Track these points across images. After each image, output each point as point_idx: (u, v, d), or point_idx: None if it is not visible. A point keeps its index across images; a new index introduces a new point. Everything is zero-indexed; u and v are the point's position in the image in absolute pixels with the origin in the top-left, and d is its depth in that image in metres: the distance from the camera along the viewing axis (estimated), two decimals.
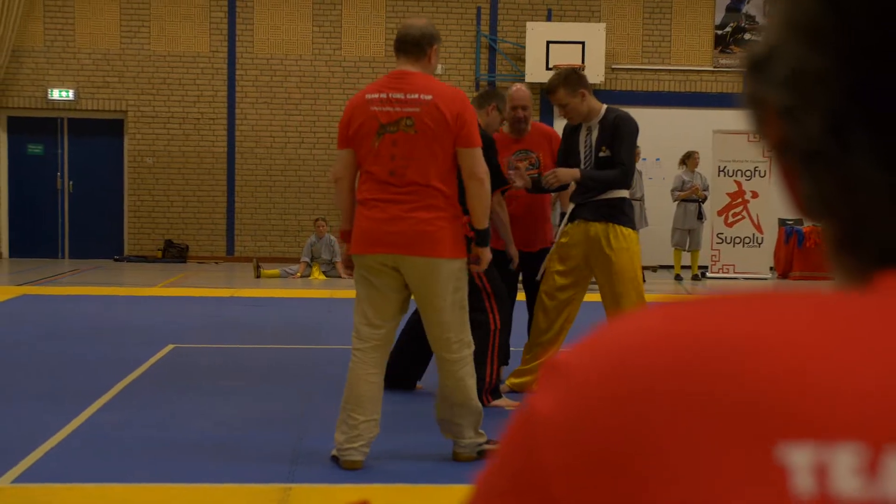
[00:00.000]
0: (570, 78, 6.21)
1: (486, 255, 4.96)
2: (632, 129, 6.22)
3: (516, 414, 0.60)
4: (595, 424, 0.55)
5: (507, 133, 6.77)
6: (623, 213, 6.24)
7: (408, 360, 6.60)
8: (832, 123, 0.58)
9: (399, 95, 4.76)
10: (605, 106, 6.30)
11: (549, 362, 0.60)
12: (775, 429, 0.52)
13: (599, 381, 0.56)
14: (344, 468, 4.79)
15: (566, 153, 6.40)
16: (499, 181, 5.89)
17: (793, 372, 0.53)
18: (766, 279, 16.35)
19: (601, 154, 6.20)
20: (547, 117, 17.92)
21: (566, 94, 6.15)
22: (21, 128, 18.07)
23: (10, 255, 17.97)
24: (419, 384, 6.73)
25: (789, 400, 0.52)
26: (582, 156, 6.28)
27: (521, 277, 6.87)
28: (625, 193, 6.29)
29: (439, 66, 15.34)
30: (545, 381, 0.59)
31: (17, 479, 4.57)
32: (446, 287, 4.79)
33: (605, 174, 6.21)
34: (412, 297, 4.94)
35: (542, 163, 6.72)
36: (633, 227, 6.30)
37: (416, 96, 4.74)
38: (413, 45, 4.83)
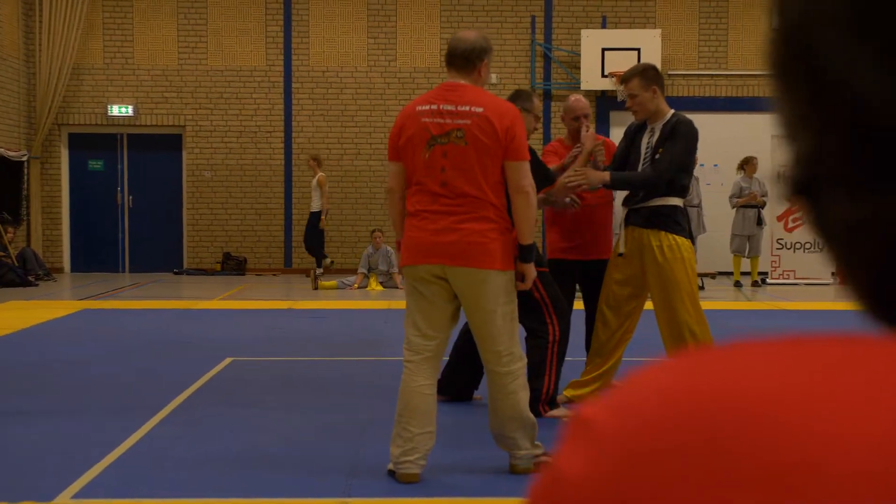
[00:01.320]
0: (648, 72, 6.19)
1: (530, 271, 4.90)
2: (688, 134, 6.13)
3: (543, 474, 0.57)
4: (622, 487, 0.53)
5: (566, 143, 6.77)
6: (676, 223, 6.15)
7: (465, 370, 6.58)
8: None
9: (450, 107, 4.75)
10: (672, 111, 6.25)
11: (577, 417, 0.57)
12: (808, 494, 0.49)
13: (626, 441, 0.54)
14: (400, 482, 4.77)
15: (626, 151, 6.35)
16: (545, 180, 5.90)
17: (828, 434, 0.50)
18: (827, 284, 16.11)
19: (657, 156, 6.14)
20: (603, 125, 17.84)
21: (639, 86, 6.12)
22: (82, 144, 18.36)
23: (72, 270, 18.25)
24: (477, 394, 6.71)
25: (824, 464, 0.50)
26: (642, 156, 6.23)
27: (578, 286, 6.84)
28: (678, 201, 6.20)
29: (494, 76, 15.34)
30: (573, 439, 0.56)
31: (77, 495, 4.61)
32: (496, 299, 4.76)
33: (634, 176, 6.15)
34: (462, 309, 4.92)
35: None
36: (687, 236, 6.21)
37: (468, 108, 4.73)
38: (462, 59, 4.83)
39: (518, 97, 6.35)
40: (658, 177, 6.07)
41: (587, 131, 6.51)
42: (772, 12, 0.56)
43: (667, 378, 0.55)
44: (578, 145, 6.45)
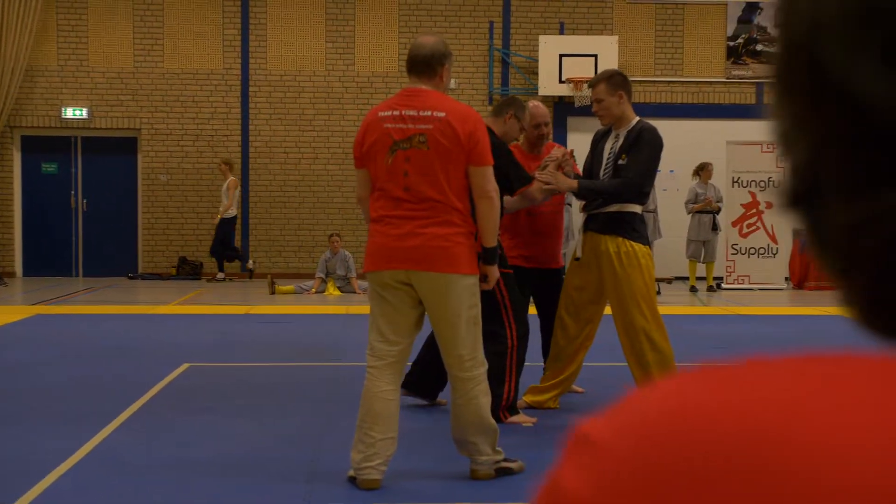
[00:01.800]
0: (615, 77, 6.23)
1: (494, 273, 4.92)
2: (652, 141, 6.17)
3: (542, 488, 0.57)
4: (623, 502, 0.52)
5: (523, 150, 6.75)
6: (633, 229, 6.19)
7: (430, 373, 6.55)
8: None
9: (412, 112, 4.75)
10: (638, 118, 6.28)
11: (576, 433, 0.57)
12: None
13: (627, 457, 0.54)
14: (361, 488, 4.75)
15: (592, 158, 6.39)
16: (522, 180, 5.93)
17: (828, 450, 0.50)
18: (781, 289, 16.28)
19: (620, 162, 6.17)
20: (560, 130, 17.91)
21: (605, 90, 6.15)
22: (35, 147, 18.14)
23: (24, 275, 18.03)
24: (442, 399, 6.68)
25: (823, 480, 0.49)
26: (604, 162, 6.26)
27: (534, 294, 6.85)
28: (636, 208, 6.23)
29: (452, 81, 15.35)
30: (572, 454, 0.56)
31: (33, 503, 4.54)
32: (460, 303, 4.76)
33: (604, 185, 6.18)
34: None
35: None
36: (645, 243, 6.25)
37: (430, 113, 4.73)
38: (423, 65, 4.84)
39: (513, 104, 6.41)
40: (626, 186, 6.10)
41: (563, 154, 6.47)
42: (776, 22, 0.56)
43: (668, 396, 0.55)
44: (550, 154, 6.42)
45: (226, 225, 16.85)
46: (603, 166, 6.25)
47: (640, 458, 0.53)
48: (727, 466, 0.51)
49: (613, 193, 6.14)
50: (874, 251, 0.53)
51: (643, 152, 6.11)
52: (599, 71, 17.46)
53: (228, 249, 17.00)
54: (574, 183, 6.15)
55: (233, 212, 16.80)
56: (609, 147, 6.27)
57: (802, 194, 0.56)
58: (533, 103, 6.83)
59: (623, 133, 6.21)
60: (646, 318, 6.13)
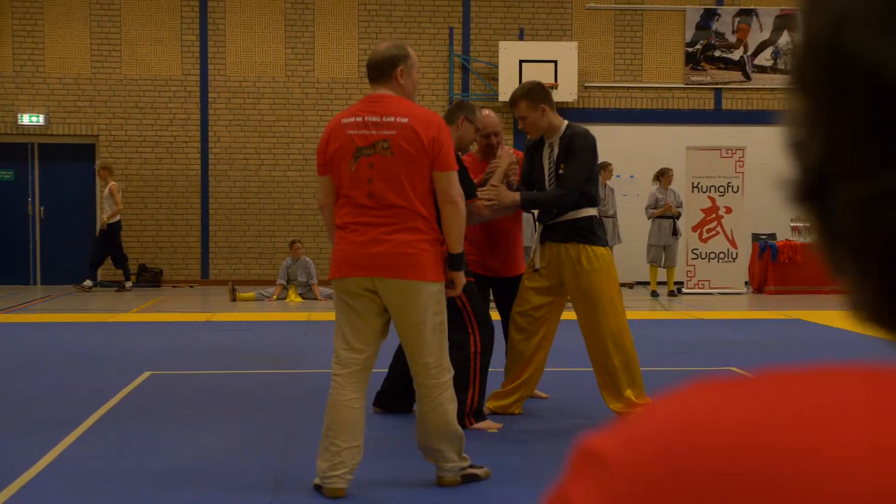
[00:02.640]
0: (534, 92, 6.23)
1: (460, 279, 4.92)
2: (585, 145, 6.21)
3: (549, 501, 0.57)
4: None
5: (477, 157, 6.74)
6: (593, 234, 6.24)
7: (401, 383, 6.54)
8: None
9: (375, 118, 4.74)
10: (565, 122, 6.31)
11: (583, 448, 0.57)
12: None
13: (634, 473, 0.54)
14: (327, 496, 4.73)
15: (530, 169, 6.43)
16: (470, 191, 5.89)
17: (835, 464, 0.50)
18: (741, 294, 16.41)
19: (560, 172, 6.21)
20: (520, 137, 17.96)
21: (526, 107, 6.18)
22: None
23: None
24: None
25: (830, 494, 0.50)
26: (546, 173, 6.30)
27: (493, 301, 6.86)
28: (592, 212, 6.28)
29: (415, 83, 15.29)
30: (580, 468, 0.56)
31: None
32: (426, 310, 4.75)
33: (546, 196, 6.22)
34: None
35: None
36: (605, 245, 6.31)
37: (392, 119, 4.72)
38: (376, 70, 4.83)
39: (463, 108, 6.37)
40: (567, 195, 6.15)
41: (503, 149, 6.51)
42: (799, 19, 0.57)
43: (675, 411, 0.55)
44: (494, 161, 6.41)
45: (116, 230, 16.57)
46: (546, 177, 6.30)
47: (648, 474, 0.53)
48: (735, 481, 0.51)
49: (556, 203, 6.20)
50: (888, 228, 0.53)
51: (577, 159, 6.17)
52: (559, 77, 17.61)
53: (119, 255, 16.70)
54: (517, 196, 6.17)
55: (118, 217, 16.59)
56: (546, 156, 6.32)
57: (816, 188, 0.57)
58: (484, 112, 6.76)
59: (556, 141, 6.27)
60: (614, 320, 6.19)
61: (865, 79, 0.53)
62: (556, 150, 6.24)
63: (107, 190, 16.35)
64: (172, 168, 18.02)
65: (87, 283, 16.74)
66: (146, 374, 8.18)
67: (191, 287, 17.68)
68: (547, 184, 6.28)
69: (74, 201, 18.04)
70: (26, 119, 17.72)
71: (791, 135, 0.59)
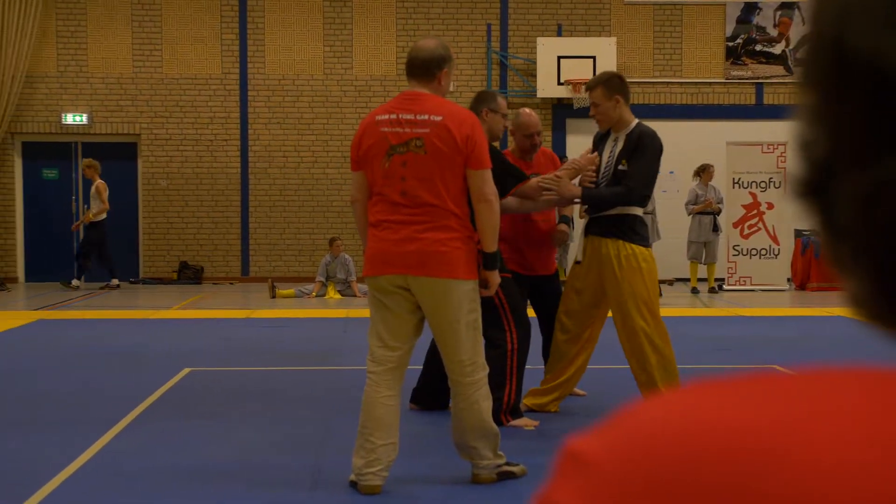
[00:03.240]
0: (612, 81, 6.20)
1: (494, 278, 4.91)
2: (653, 147, 6.15)
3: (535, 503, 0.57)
4: None
5: (515, 156, 6.73)
6: (634, 232, 6.17)
7: (437, 380, 6.55)
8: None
9: (409, 116, 4.74)
10: (636, 120, 6.26)
11: (569, 449, 0.57)
12: None
13: (619, 476, 0.54)
14: (362, 493, 4.75)
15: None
16: (517, 178, 5.87)
17: (824, 469, 0.50)
18: (783, 290, 16.27)
19: (620, 167, 6.17)
20: (559, 133, 17.93)
21: (602, 95, 6.13)
22: (36, 153, 18.15)
23: (26, 280, 18.02)
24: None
25: (818, 500, 0.49)
26: (604, 164, 6.25)
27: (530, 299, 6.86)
28: (637, 210, 6.23)
29: (451, 84, 15.29)
30: (565, 470, 0.56)
31: None
32: (459, 308, 4.75)
33: (607, 193, 6.16)
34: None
35: None
36: (647, 245, 6.23)
37: (427, 117, 4.72)
38: (421, 69, 4.82)
39: (483, 99, 6.32)
40: (628, 194, 6.09)
41: (587, 156, 6.37)
42: (808, 15, 0.59)
43: (661, 414, 0.55)
44: (574, 159, 6.35)
45: (101, 228, 16.55)
46: (603, 170, 6.25)
47: (632, 477, 0.53)
48: (719, 486, 0.51)
49: (618, 202, 6.13)
50: (885, 218, 0.54)
51: (644, 158, 6.10)
52: (598, 72, 17.50)
53: (106, 254, 16.66)
54: (577, 190, 6.13)
55: (104, 215, 16.58)
56: (608, 150, 6.26)
57: (819, 183, 0.57)
58: (525, 111, 6.77)
59: (622, 136, 6.20)
60: (646, 320, 6.12)
61: (866, 72, 0.54)
62: (621, 145, 6.19)
63: (93, 188, 16.35)
64: (213, 166, 18.15)
65: (75, 282, 16.70)
66: (185, 371, 8.24)
67: (231, 284, 17.81)
68: (602, 178, 6.23)
69: (117, 199, 18.19)
70: (70, 118, 17.92)
71: (799, 131, 0.59)
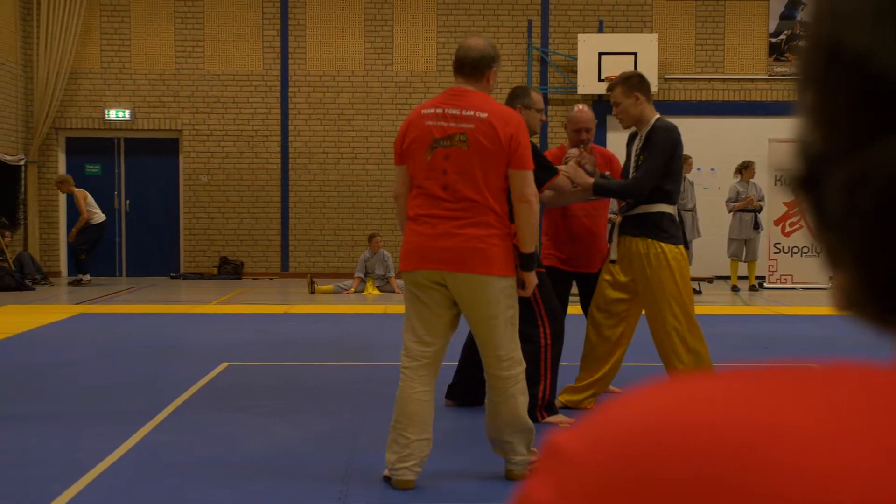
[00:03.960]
0: (631, 80, 6.22)
1: (531, 279, 4.90)
2: (664, 139, 6.13)
3: (515, 498, 0.57)
4: None
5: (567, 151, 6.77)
6: (662, 230, 6.16)
7: (473, 376, 6.55)
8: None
9: (455, 111, 4.75)
10: (657, 115, 6.25)
11: (549, 445, 0.57)
12: None
13: (598, 470, 0.53)
14: (396, 488, 4.76)
15: (626, 160, 6.43)
16: (548, 171, 5.87)
17: (806, 469, 0.49)
18: (824, 289, 16.10)
19: (639, 163, 6.18)
20: (599, 129, 17.84)
21: (621, 93, 6.16)
22: (79, 148, 18.35)
23: (69, 274, 18.22)
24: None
25: (799, 500, 0.49)
26: (632, 162, 6.28)
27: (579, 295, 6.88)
28: (665, 208, 6.20)
29: None
30: (544, 466, 0.56)
31: (71, 502, 4.59)
32: (497, 304, 4.75)
33: (615, 184, 6.22)
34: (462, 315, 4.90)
35: None
36: (677, 243, 6.20)
37: (472, 113, 4.73)
38: (471, 68, 4.84)
39: (516, 95, 6.31)
40: (635, 186, 6.10)
41: (584, 148, 6.46)
42: (807, 14, 0.61)
43: (644, 410, 0.55)
44: (568, 154, 6.46)
45: (100, 230, 16.55)
46: (631, 168, 6.27)
47: (612, 474, 0.53)
48: (700, 485, 0.50)
49: (623, 192, 6.17)
50: (869, 205, 0.54)
51: (653, 152, 6.12)
52: (639, 69, 17.43)
53: (90, 251, 16.61)
54: (590, 180, 6.17)
55: (101, 216, 16.51)
56: (635, 148, 6.30)
57: (812, 176, 0.59)
58: (578, 107, 6.86)
59: (644, 133, 6.22)
60: (678, 319, 6.10)
61: (856, 65, 0.55)
62: (642, 142, 6.21)
63: (74, 198, 16.39)
64: (253, 162, 18.26)
65: (85, 277, 16.78)
66: (224, 365, 8.30)
67: (270, 279, 17.90)
68: (631, 175, 6.25)
69: (159, 195, 18.39)
70: (113, 114, 18.09)
71: (797, 127, 0.61)
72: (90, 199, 16.58)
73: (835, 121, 0.57)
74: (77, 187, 16.52)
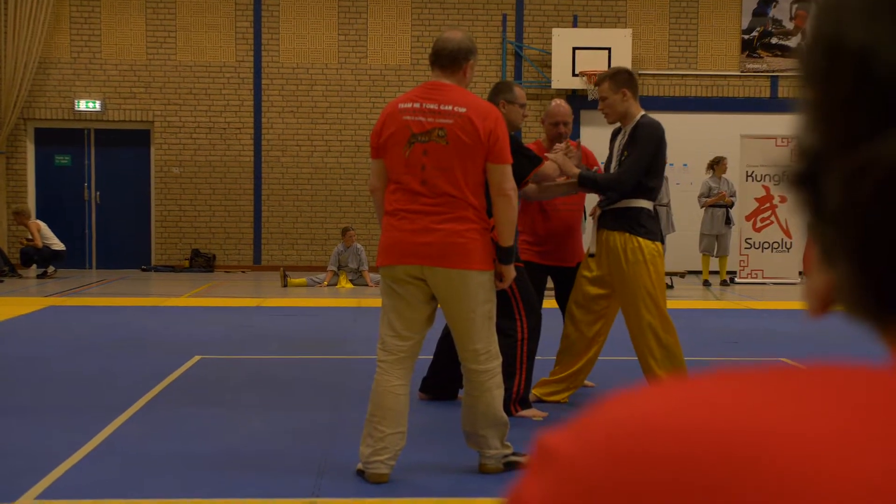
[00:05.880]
0: (619, 75, 6.24)
1: (510, 272, 4.91)
2: (649, 136, 6.16)
3: (507, 499, 0.57)
4: None
5: (544, 146, 6.78)
6: (640, 225, 6.19)
7: (447, 370, 6.55)
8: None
9: (433, 106, 4.73)
10: (642, 112, 6.27)
11: (539, 445, 0.56)
12: None
13: (590, 472, 0.53)
14: (370, 481, 4.75)
15: (609, 155, 6.45)
16: (533, 160, 5.87)
17: (799, 472, 0.49)
18: (794, 284, 16.23)
19: (623, 158, 6.21)
20: (573, 124, 17.86)
21: (608, 88, 6.17)
22: (48, 139, 18.19)
23: (38, 266, 18.05)
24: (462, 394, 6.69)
25: (792, 501, 0.48)
26: (614, 157, 6.31)
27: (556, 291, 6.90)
28: (643, 203, 6.22)
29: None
30: (535, 466, 0.56)
31: (41, 496, 4.55)
32: (475, 299, 4.75)
33: (596, 177, 6.26)
34: (439, 309, 4.90)
35: None
36: (654, 239, 6.23)
37: (450, 108, 4.71)
38: (448, 59, 4.82)
39: (500, 90, 6.32)
40: (617, 179, 6.12)
41: (567, 144, 6.48)
42: (809, 15, 0.62)
43: (636, 412, 0.54)
44: (554, 148, 6.47)
45: (55, 256, 16.41)
46: (613, 163, 6.29)
47: (604, 475, 0.53)
48: (693, 487, 0.50)
49: (608, 186, 6.19)
50: (867, 199, 0.54)
51: (637, 148, 6.14)
52: (612, 64, 17.48)
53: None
54: (576, 171, 6.20)
55: (60, 245, 16.43)
56: (618, 143, 6.31)
57: (809, 172, 0.59)
58: (555, 102, 6.90)
59: (628, 129, 6.24)
60: (651, 313, 6.14)
61: (855, 60, 0.56)
62: (626, 138, 6.23)
63: (29, 230, 16.32)
64: (226, 154, 18.17)
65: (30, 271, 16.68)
66: (196, 359, 8.26)
67: (243, 272, 17.84)
68: (613, 170, 6.28)
69: (130, 187, 18.27)
70: (83, 105, 17.95)
71: (797, 124, 0.61)
72: (45, 230, 16.43)
73: (834, 115, 0.57)
74: (35, 219, 16.55)
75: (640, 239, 6.16)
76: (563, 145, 6.38)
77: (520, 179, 5.87)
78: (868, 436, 0.49)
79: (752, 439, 0.50)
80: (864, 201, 0.55)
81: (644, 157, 6.13)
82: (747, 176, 16.28)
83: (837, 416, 0.50)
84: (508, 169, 4.78)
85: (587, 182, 6.25)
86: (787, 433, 0.50)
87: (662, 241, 6.45)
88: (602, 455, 0.53)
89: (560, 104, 6.83)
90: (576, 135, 17.73)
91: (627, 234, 6.17)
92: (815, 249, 0.61)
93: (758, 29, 18.34)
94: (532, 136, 16.37)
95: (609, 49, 17.58)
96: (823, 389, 0.52)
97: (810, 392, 0.52)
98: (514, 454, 5.02)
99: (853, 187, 0.55)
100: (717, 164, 15.94)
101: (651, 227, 6.24)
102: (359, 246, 15.51)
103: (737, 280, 16.32)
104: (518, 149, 5.83)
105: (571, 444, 0.55)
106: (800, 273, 16.70)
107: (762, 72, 18.41)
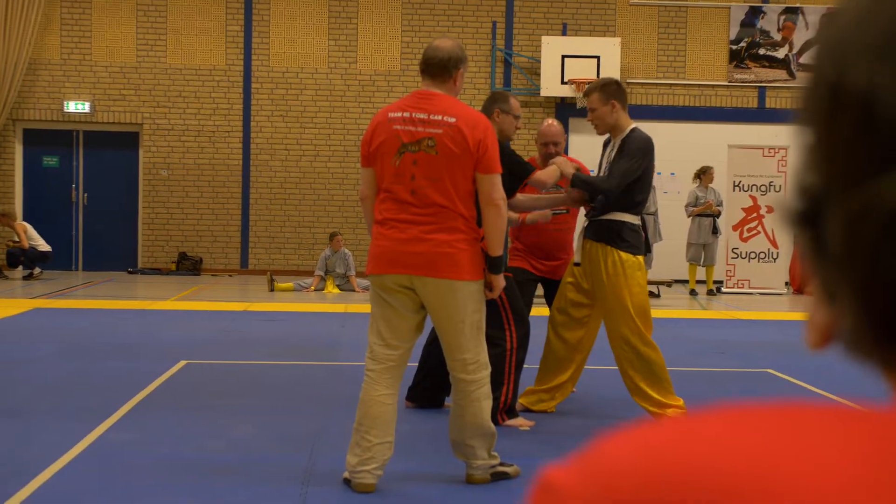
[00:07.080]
0: (609, 87, 6.24)
1: (499, 282, 4.91)
2: (638, 147, 6.18)
3: None
4: None
5: (538, 164, 6.80)
6: (622, 238, 6.20)
7: (433, 379, 6.56)
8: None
9: (422, 115, 4.74)
10: (633, 125, 6.28)
11: (543, 480, 0.57)
12: None
13: None
14: (356, 491, 4.74)
15: (599, 164, 6.48)
16: (526, 169, 5.87)
17: None
18: (781, 294, 16.28)
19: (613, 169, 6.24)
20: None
21: (598, 100, 6.18)
22: (37, 140, 18.14)
23: (25, 268, 17.98)
24: (449, 402, 6.69)
25: None
26: (602, 169, 6.33)
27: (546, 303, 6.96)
28: (627, 217, 6.23)
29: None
30: (537, 500, 0.56)
31: (27, 501, 4.54)
32: (465, 309, 4.75)
33: (589, 179, 6.27)
34: (428, 318, 4.90)
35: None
36: (636, 252, 6.23)
37: (440, 118, 4.72)
38: (438, 68, 4.82)
39: (495, 100, 6.33)
40: (607, 182, 6.14)
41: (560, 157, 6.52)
42: (811, 54, 0.62)
43: (638, 448, 0.55)
44: (552, 161, 6.51)
45: (41, 257, 16.43)
46: (603, 174, 6.32)
47: None
48: None
49: (598, 189, 6.20)
50: (870, 240, 0.55)
51: (626, 157, 6.16)
52: (601, 73, 17.51)
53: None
54: (572, 170, 6.20)
55: (46, 246, 16.43)
56: (607, 155, 6.34)
57: (811, 211, 0.60)
58: (547, 122, 6.96)
59: (618, 142, 6.26)
60: (630, 328, 6.16)
61: (858, 101, 0.56)
62: (615, 150, 6.24)
63: (15, 231, 16.31)
64: (214, 157, 18.14)
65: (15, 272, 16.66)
66: (182, 363, 8.24)
67: (230, 276, 17.80)
68: None
69: (118, 189, 18.22)
70: (72, 107, 17.90)
71: (799, 164, 0.61)
72: (31, 231, 16.38)
73: (836, 156, 0.58)
74: (21, 221, 16.48)
75: (621, 252, 6.19)
76: (560, 159, 6.40)
77: (510, 190, 5.88)
78: (873, 481, 0.50)
79: (756, 482, 0.51)
80: (867, 242, 0.55)
81: (633, 166, 6.14)
82: (734, 186, 16.33)
83: (845, 458, 0.51)
84: (498, 179, 4.78)
85: (580, 183, 6.26)
86: (792, 476, 0.51)
87: (649, 251, 6.47)
88: (603, 490, 0.54)
89: (552, 124, 6.87)
90: (565, 145, 17.76)
91: (609, 248, 6.20)
92: (805, 269, 0.61)
93: (746, 39, 18.41)
94: (520, 143, 16.38)
95: (598, 58, 17.62)
96: (829, 430, 0.53)
97: (817, 432, 0.53)
98: (501, 465, 5.02)
99: (856, 228, 0.56)
100: (703, 174, 15.99)
101: (633, 240, 6.24)
102: (346, 251, 15.50)
103: (723, 290, 16.36)
104: (509, 157, 5.83)
105: (573, 479, 0.55)
106: (786, 283, 16.75)
107: (750, 82, 18.47)
